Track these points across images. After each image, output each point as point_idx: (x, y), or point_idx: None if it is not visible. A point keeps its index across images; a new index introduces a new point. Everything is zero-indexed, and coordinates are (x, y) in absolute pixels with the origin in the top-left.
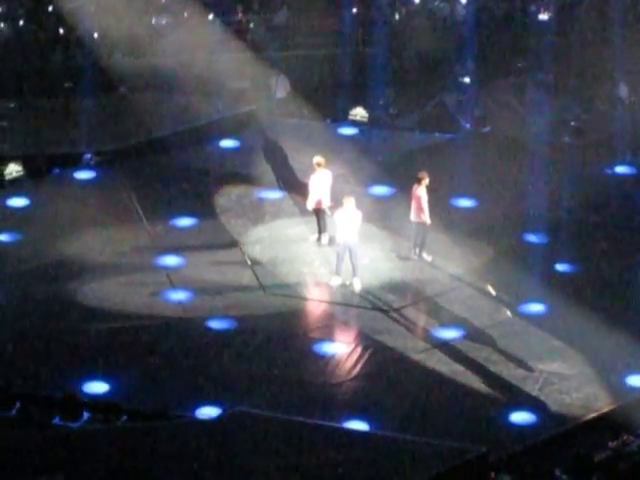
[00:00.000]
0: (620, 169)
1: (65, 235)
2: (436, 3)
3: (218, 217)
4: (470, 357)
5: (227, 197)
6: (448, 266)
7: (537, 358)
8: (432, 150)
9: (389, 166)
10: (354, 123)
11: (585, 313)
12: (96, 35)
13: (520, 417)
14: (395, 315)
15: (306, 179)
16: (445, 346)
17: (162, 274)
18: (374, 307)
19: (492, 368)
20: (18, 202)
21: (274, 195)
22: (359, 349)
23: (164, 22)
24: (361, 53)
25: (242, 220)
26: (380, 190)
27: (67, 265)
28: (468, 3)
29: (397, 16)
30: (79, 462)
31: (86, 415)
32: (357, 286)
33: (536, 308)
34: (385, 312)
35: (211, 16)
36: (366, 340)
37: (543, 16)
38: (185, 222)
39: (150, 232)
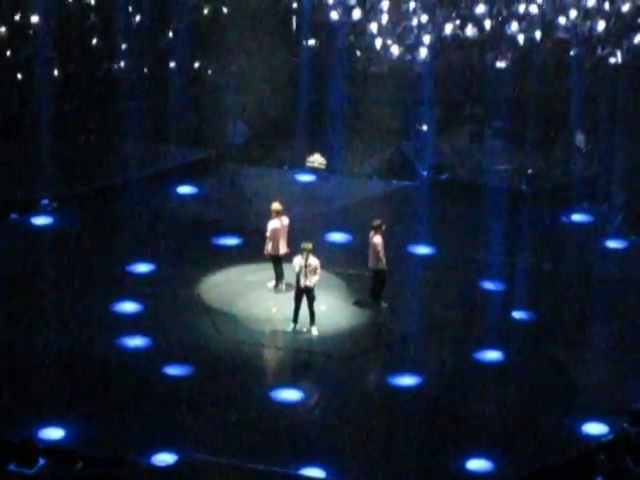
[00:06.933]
0: (577, 217)
1: (21, 280)
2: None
3: (175, 263)
4: (427, 404)
5: (184, 243)
6: (405, 313)
7: (494, 405)
8: (390, 197)
9: (346, 213)
10: (312, 170)
11: (541, 360)
12: (56, 80)
13: (478, 465)
14: (352, 362)
15: (263, 225)
16: (402, 393)
17: (119, 319)
18: (331, 354)
19: (449, 415)
20: None
21: (231, 241)
22: (316, 396)
23: (123, 66)
24: (319, 100)
25: (199, 266)
26: (337, 237)
27: (23, 311)
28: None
29: (356, 63)
30: None
31: (42, 461)
32: (314, 333)
33: (493, 355)
34: (342, 359)
35: (169, 61)
36: (323, 387)
37: (500, 64)
38: (143, 268)
39: (107, 277)
